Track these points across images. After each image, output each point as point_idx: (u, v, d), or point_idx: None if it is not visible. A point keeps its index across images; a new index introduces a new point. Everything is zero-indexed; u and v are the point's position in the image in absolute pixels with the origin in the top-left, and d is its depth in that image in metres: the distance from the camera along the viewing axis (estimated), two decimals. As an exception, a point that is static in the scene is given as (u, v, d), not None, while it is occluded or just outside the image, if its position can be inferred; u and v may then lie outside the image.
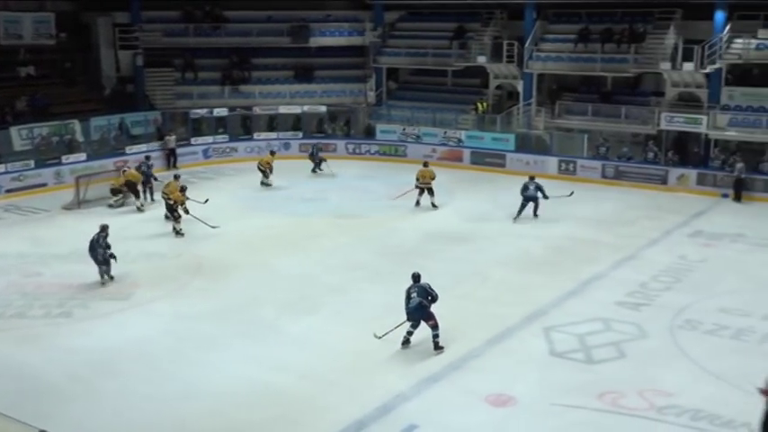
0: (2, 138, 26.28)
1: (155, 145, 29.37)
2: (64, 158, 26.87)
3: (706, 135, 26.34)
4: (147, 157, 25.95)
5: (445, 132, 30.68)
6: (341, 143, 31.74)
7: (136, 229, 21.34)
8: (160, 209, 22.22)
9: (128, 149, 28.67)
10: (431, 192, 23.48)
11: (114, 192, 23.72)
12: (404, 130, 31.43)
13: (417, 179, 23.69)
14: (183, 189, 21.18)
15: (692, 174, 25.82)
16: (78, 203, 23.56)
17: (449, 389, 12.33)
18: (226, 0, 33.90)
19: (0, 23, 28.96)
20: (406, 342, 13.63)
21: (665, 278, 17.24)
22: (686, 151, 27.02)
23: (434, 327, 13.49)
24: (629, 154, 27.46)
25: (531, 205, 22.06)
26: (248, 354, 13.52)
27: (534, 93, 30.14)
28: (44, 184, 25.95)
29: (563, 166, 27.81)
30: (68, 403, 11.85)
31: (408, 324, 13.61)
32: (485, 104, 31.06)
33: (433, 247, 19.55)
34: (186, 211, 20.96)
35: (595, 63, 28.74)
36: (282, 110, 32.39)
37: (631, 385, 12.19)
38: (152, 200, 24.16)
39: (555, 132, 29.09)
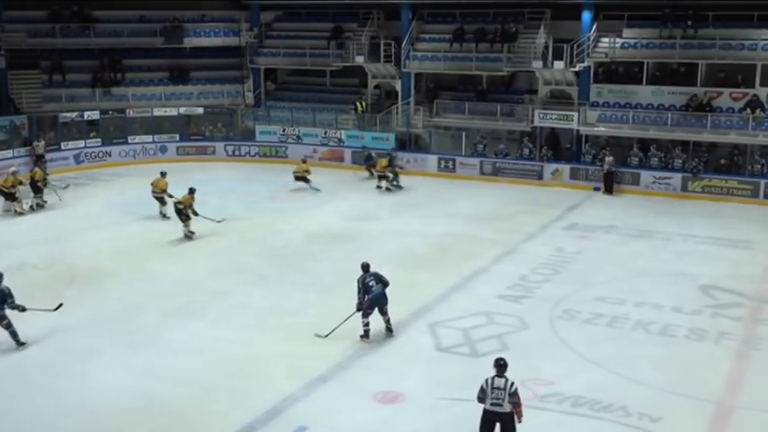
0: None
1: (21, 151, 28.01)
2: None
3: (577, 131, 27.38)
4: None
5: (326, 132, 30.68)
6: (220, 145, 31.23)
7: (4, 238, 20.31)
8: (35, 216, 21.30)
9: (-8, 155, 27.27)
10: (306, 181, 25.78)
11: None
12: (284, 131, 31.23)
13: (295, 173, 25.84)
14: (191, 191, 20.46)
15: (565, 169, 26.80)
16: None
17: (338, 388, 12.30)
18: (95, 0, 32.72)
19: None
20: (366, 335, 13.82)
21: (543, 270, 17.79)
22: (559, 147, 28.02)
23: (386, 312, 13.98)
24: (506, 151, 28.22)
25: None
26: (130, 364, 13.08)
27: (412, 92, 30.52)
28: None
29: (442, 163, 28.30)
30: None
31: (359, 316, 13.77)
32: (364, 104, 31.23)
33: (317, 248, 19.50)
34: (195, 213, 20.33)
35: (470, 62, 29.34)
36: (157, 112, 31.54)
37: (514, 376, 12.27)
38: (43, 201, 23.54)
39: (434, 131, 29.56)
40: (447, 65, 29.95)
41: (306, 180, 25.93)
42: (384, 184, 25.93)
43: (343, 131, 30.49)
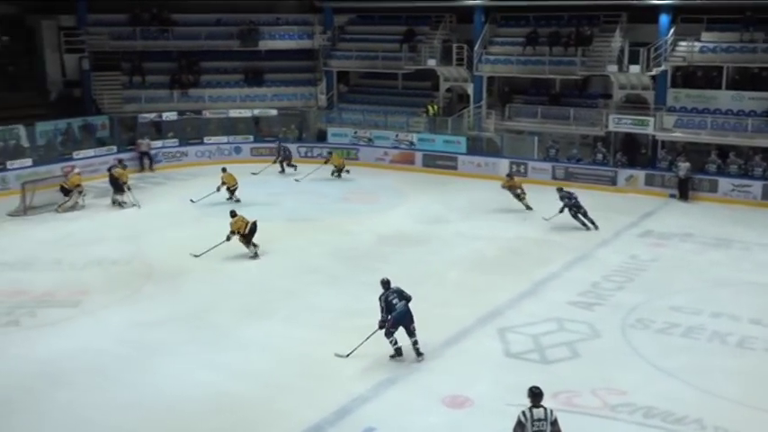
0: (-57, 143, 25.65)
1: (103, 150, 28.88)
2: (9, 164, 26.27)
3: (653, 136, 26.83)
4: (120, 161, 25.99)
5: (397, 135, 30.75)
6: (293, 147, 31.57)
7: (85, 235, 20.99)
8: (115, 213, 21.99)
9: (75, 154, 28.15)
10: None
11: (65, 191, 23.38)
12: (355, 133, 31.42)
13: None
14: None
15: (640, 175, 26.27)
16: (25, 210, 23.06)
17: (406, 391, 12.35)
18: (174, 2, 33.47)
19: (-60, 27, 28.28)
20: (398, 353, 13.30)
21: (616, 278, 17.50)
22: (634, 152, 27.49)
23: (414, 331, 13.28)
24: (579, 155, 27.85)
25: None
26: (202, 360, 13.36)
27: (484, 95, 30.37)
28: (-14, 190, 25.38)
29: (514, 167, 28.06)
30: (19, 414, 11.59)
31: (381, 334, 13.19)
32: (435, 107, 31.21)
33: (387, 250, 19.57)
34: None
35: (544, 66, 29.07)
36: (233, 114, 32.14)
37: (585, 384, 12.34)
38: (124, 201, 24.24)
39: (505, 134, 29.35)
40: (520, 68, 29.72)
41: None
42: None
43: (414, 134, 30.51)
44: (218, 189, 23.93)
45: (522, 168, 27.94)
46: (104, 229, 21.66)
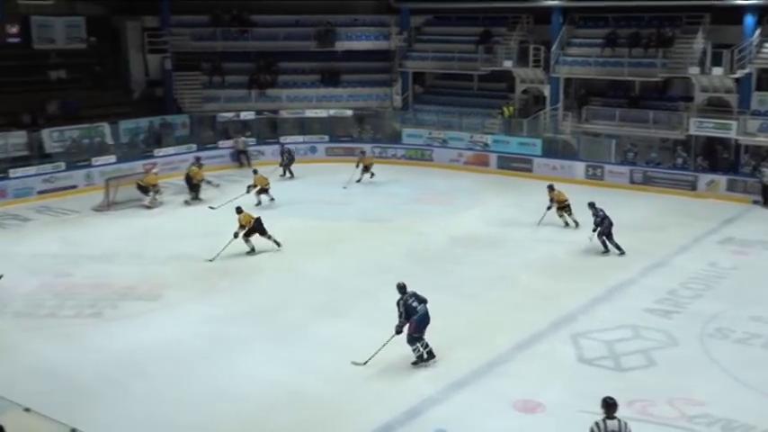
0: (34, 140, 26.63)
1: (183, 148, 29.58)
2: (94, 161, 27.17)
3: (736, 141, 26.10)
4: (197, 159, 26.56)
5: (471, 137, 30.63)
6: (367, 147, 31.77)
7: (165, 230, 21.56)
8: (194, 210, 22.54)
9: (156, 152, 28.93)
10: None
11: (143, 189, 24.01)
12: (430, 134, 31.42)
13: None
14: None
15: (721, 180, 25.56)
16: (108, 205, 23.82)
17: (477, 394, 12.31)
18: (254, 3, 34.06)
19: (33, 28, 29.40)
20: (430, 355, 13.16)
21: (695, 285, 17.09)
22: (716, 157, 26.79)
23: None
24: (658, 159, 27.28)
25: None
26: (276, 356, 13.58)
27: (561, 97, 30.01)
28: (74, 186, 26.26)
29: (590, 171, 27.67)
30: (98, 403, 11.97)
31: (415, 339, 13.00)
32: (511, 109, 30.99)
33: (460, 252, 19.53)
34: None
35: (623, 67, 28.57)
36: (309, 113, 32.52)
37: (661, 393, 12.09)
38: (197, 199, 24.82)
39: (582, 137, 28.95)
40: (598, 70, 29.28)
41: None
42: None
43: (489, 136, 30.35)
44: (249, 190, 24.14)
45: (598, 172, 27.52)
46: (183, 225, 22.18)
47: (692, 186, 25.89)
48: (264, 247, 19.54)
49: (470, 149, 30.47)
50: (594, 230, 19.33)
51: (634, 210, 23.64)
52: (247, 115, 31.87)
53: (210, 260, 18.48)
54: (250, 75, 33.72)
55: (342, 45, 34.25)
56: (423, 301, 13.07)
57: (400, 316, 12.99)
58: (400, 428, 11.29)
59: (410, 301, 13.02)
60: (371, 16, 35.18)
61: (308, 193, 26.22)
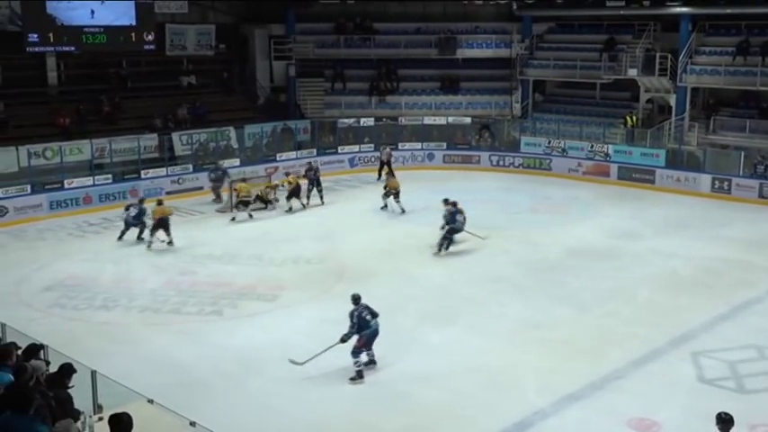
0: (165, 143, 27.88)
1: (303, 153, 30.25)
2: (220, 164, 28.13)
3: None
4: (309, 163, 26.87)
5: (592, 146, 30.01)
6: (485, 155, 31.66)
7: (282, 233, 22.12)
8: (308, 214, 23.05)
9: (278, 156, 29.73)
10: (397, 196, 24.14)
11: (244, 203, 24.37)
12: (549, 143, 31.00)
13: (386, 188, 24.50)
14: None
15: None
16: (231, 207, 24.61)
17: (590, 409, 12.06)
18: (377, 12, 34.55)
19: (167, 35, 30.85)
20: (359, 376, 12.79)
21: (827, 306, 16.21)
22: None
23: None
24: (790, 173, 25.98)
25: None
26: (387, 361, 13.69)
27: (687, 107, 29.05)
28: (200, 188, 27.27)
29: (717, 184, 26.61)
30: (216, 398, 12.38)
31: (359, 352, 12.78)
32: (634, 118, 30.20)
33: (576, 263, 19.17)
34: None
35: (755, 77, 27.39)
36: (427, 121, 32.65)
37: None
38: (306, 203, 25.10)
39: (709, 149, 27.90)
40: (728, 79, 28.19)
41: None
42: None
43: (610, 146, 29.67)
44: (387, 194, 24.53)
45: (725, 185, 26.44)
46: (299, 228, 22.68)
47: (829, 202, 24.55)
48: (376, 251, 19.72)
49: (590, 159, 29.85)
50: (443, 227, 19.62)
51: (763, 225, 22.62)
52: (367, 121, 32.30)
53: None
54: (371, 82, 34.21)
55: (462, 53, 34.26)
56: (375, 315, 12.82)
57: (351, 327, 12.73)
58: (509, 439, 11.22)
59: (364, 313, 12.77)
60: (493, 24, 35.03)
61: (424, 199, 26.26)
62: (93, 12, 27.53)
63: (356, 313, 12.82)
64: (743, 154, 26.89)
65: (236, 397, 12.48)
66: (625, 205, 25.30)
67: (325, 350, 13.00)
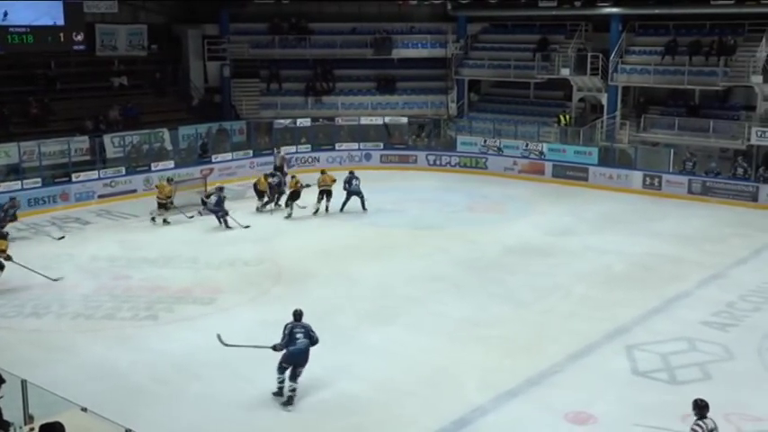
0: (96, 145, 27.26)
1: (240, 154, 29.94)
2: (153, 165, 27.70)
3: (800, 151, 25.47)
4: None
5: (527, 145, 30.41)
6: (422, 154, 31.82)
7: (220, 236, 21.85)
8: (250, 217, 22.82)
9: (214, 158, 29.38)
10: (329, 195, 24.11)
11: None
12: (485, 142, 31.30)
13: (319, 183, 24.10)
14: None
15: (784, 191, 24.97)
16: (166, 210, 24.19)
17: (528, 404, 12.21)
18: (312, 12, 34.39)
19: (97, 36, 30.14)
20: (280, 393, 12.29)
21: (754, 298, 16.70)
22: (778, 167, 26.15)
23: (298, 376, 12.17)
24: (717, 169, 26.70)
25: (356, 199, 24.01)
26: (326, 362, 13.60)
27: (619, 106, 29.65)
28: (134, 191, 26.81)
29: (648, 180, 27.24)
30: (153, 404, 12.17)
31: (283, 369, 12.22)
32: (568, 117, 30.70)
33: (513, 261, 19.40)
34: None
35: (683, 76, 28.07)
36: (364, 121, 32.66)
37: (717, 408, 11.64)
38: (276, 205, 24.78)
39: (640, 146, 28.54)
40: (657, 78, 28.84)
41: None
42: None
43: (544, 144, 30.09)
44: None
45: (656, 181, 27.08)
46: (237, 231, 22.42)
47: (753, 197, 25.29)
48: (314, 252, 19.67)
49: (525, 158, 30.25)
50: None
51: (692, 220, 23.24)
52: (303, 122, 32.15)
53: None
54: (307, 82, 34.03)
55: (398, 53, 34.34)
56: (310, 337, 12.16)
57: (282, 339, 12.18)
58: (449, 437, 11.28)
59: (295, 329, 12.18)
60: (428, 24, 35.21)
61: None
62: (6, 13, 25.85)
63: (288, 327, 12.24)
64: (672, 151, 27.58)
65: (173, 403, 12.27)
66: (560, 203, 25.71)
67: (255, 347, 12.52)
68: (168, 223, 22.95)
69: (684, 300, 16.74)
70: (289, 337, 12.16)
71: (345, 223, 23.26)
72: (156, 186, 23.78)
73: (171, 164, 28.15)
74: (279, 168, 27.76)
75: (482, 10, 34.17)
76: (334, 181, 24.18)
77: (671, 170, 27.29)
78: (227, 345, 12.70)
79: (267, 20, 34.26)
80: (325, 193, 24.00)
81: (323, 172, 24.70)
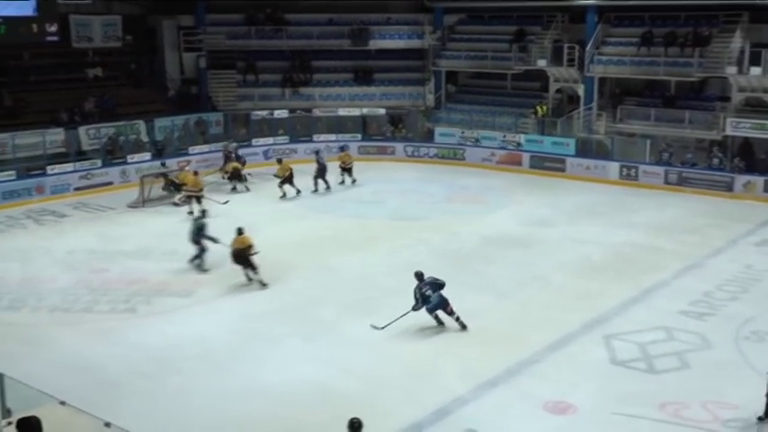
0: (71, 137, 27.00)
1: (218, 146, 29.72)
2: (129, 158, 27.47)
3: (774, 141, 25.72)
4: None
5: (504, 136, 30.50)
6: (399, 146, 31.82)
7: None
8: (228, 207, 22.71)
9: (191, 149, 29.19)
10: (350, 172, 27.02)
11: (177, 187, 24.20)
12: (463, 133, 31.34)
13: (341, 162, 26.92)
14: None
15: (759, 181, 25.19)
16: (143, 202, 24.08)
17: (507, 394, 12.28)
18: (288, 3, 34.22)
19: (71, 27, 29.78)
20: (439, 322, 14.49)
21: (730, 288, 16.88)
22: (753, 158, 26.37)
23: (453, 311, 14.27)
24: (693, 160, 26.96)
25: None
26: (307, 354, 13.66)
27: (596, 97, 29.79)
28: (110, 183, 26.62)
29: (624, 171, 27.43)
30: (132, 397, 12.11)
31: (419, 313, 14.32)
32: (545, 108, 30.80)
33: (492, 251, 19.48)
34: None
35: (659, 67, 28.25)
36: (342, 112, 32.60)
37: (694, 396, 11.97)
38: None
39: (616, 137, 28.71)
40: (633, 69, 29.01)
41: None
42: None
43: (522, 135, 30.20)
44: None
45: (632, 172, 27.26)
46: (215, 222, 22.25)
47: (729, 187, 25.55)
48: (294, 244, 19.62)
49: (503, 149, 30.33)
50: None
51: (669, 210, 23.44)
52: (281, 113, 32.02)
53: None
54: (284, 73, 33.87)
55: (375, 44, 34.26)
56: (438, 286, 14.24)
57: (417, 302, 14.21)
58: (430, 427, 11.31)
59: (424, 289, 14.17)
60: (405, 15, 35.15)
61: (340, 190, 26.30)
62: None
63: (417, 289, 14.19)
64: (649, 142, 27.79)
65: (152, 396, 12.21)
66: (538, 193, 25.83)
67: (402, 316, 14.08)
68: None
69: (662, 289, 16.89)
70: (421, 298, 14.14)
71: (325, 215, 23.24)
72: (183, 180, 23.75)
73: (147, 156, 27.95)
74: (227, 158, 27.56)
75: (459, 1, 34.23)
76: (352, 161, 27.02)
77: (647, 161, 27.50)
78: (382, 328, 14.02)
79: (243, 10, 34.02)
80: (346, 170, 26.84)
81: (342, 149, 28.17)
